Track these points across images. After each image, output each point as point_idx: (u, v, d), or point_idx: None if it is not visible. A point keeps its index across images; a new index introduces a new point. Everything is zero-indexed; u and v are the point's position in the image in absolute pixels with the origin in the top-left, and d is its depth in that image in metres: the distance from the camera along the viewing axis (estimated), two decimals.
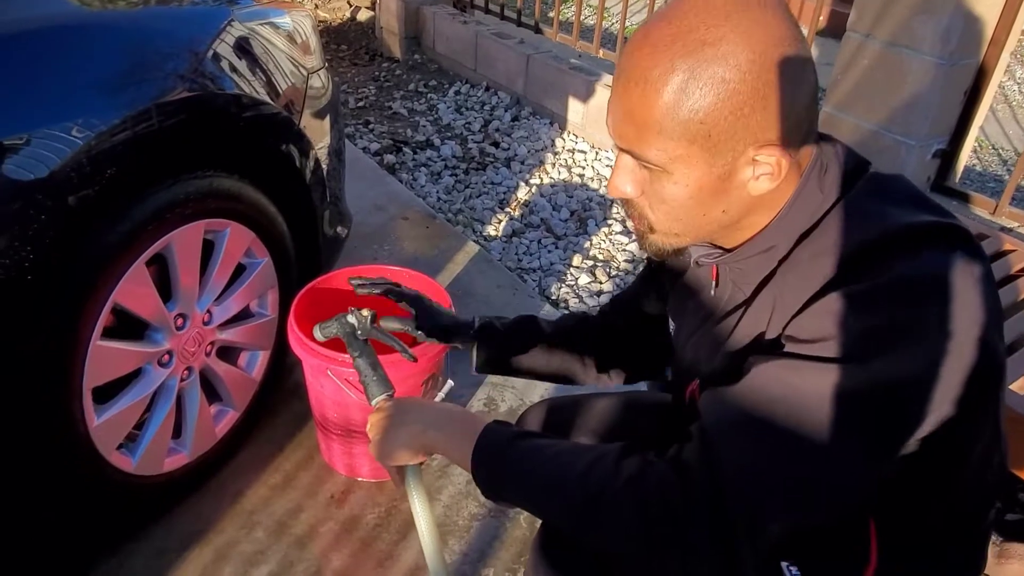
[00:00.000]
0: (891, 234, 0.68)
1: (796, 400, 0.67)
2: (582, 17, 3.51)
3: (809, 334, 0.69)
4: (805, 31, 3.28)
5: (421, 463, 0.94)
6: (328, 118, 1.72)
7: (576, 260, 2.57)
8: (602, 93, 3.28)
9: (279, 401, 1.77)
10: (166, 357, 1.37)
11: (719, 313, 0.85)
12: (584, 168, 3.22)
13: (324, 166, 1.70)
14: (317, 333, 1.07)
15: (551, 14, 3.72)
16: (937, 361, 0.65)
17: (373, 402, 0.99)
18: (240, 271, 1.52)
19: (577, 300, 2.38)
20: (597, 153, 3.32)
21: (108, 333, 1.22)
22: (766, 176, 0.71)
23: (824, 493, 0.68)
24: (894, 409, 0.66)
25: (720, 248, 0.82)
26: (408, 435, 0.90)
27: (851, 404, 0.65)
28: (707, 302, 0.89)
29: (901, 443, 0.67)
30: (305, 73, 1.60)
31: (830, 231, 0.73)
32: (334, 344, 1.36)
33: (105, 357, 1.22)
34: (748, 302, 0.80)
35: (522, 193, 3.00)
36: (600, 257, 2.62)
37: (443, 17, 4.17)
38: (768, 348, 0.74)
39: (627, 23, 3.39)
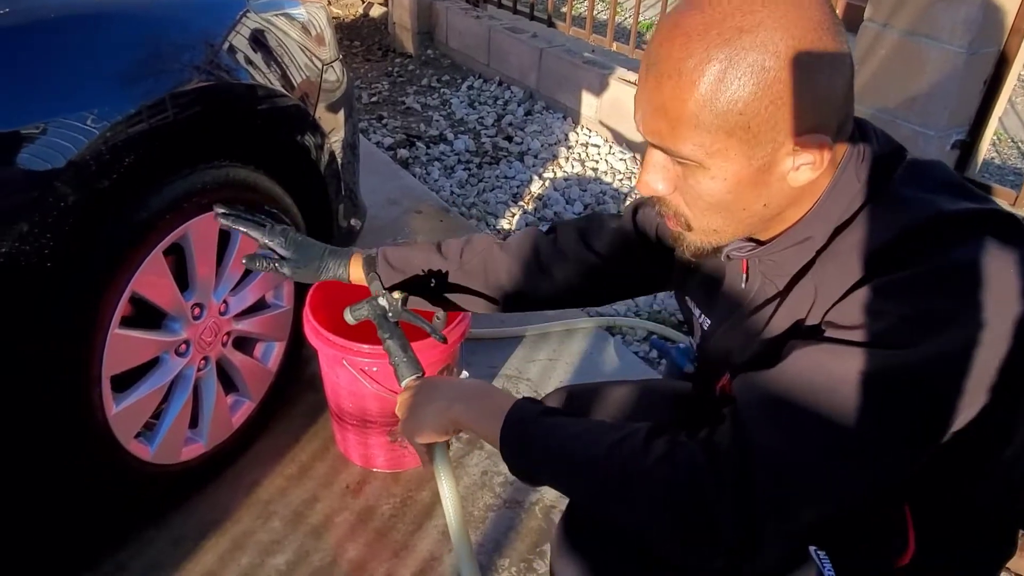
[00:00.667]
0: (932, 222, 0.67)
1: (833, 385, 0.66)
2: (595, 11, 3.49)
3: (849, 320, 0.68)
4: None
5: (448, 441, 0.94)
6: (343, 111, 1.73)
7: None
8: (616, 87, 3.26)
9: (295, 392, 1.78)
10: (183, 347, 1.38)
11: (751, 306, 0.83)
12: (598, 162, 3.21)
13: (339, 158, 1.70)
14: (348, 316, 1.07)
15: (563, 8, 3.71)
16: (976, 349, 0.64)
17: (403, 383, 1.00)
18: None
19: None
20: (611, 147, 3.31)
21: (126, 322, 1.23)
22: (807, 166, 0.69)
23: (858, 481, 0.67)
24: (932, 397, 0.65)
25: (754, 241, 0.80)
26: (436, 412, 0.90)
27: (889, 391, 0.64)
28: (737, 295, 0.87)
29: (938, 432, 0.66)
30: (320, 65, 1.60)
31: (871, 220, 0.72)
32: (350, 333, 1.37)
33: (123, 345, 1.23)
34: (783, 294, 0.78)
35: (535, 187, 3.00)
36: None
37: (456, 12, 4.17)
38: (807, 335, 0.73)
39: (641, 17, 3.37)
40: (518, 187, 2.99)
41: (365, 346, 1.39)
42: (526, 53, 3.70)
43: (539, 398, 1.43)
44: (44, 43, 1.08)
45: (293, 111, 1.50)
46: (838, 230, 0.73)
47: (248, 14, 1.40)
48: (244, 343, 1.58)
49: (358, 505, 1.55)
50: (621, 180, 3.07)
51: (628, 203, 1.14)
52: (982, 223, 0.67)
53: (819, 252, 0.75)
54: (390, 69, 4.21)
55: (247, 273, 1.50)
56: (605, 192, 2.96)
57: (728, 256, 0.84)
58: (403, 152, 3.20)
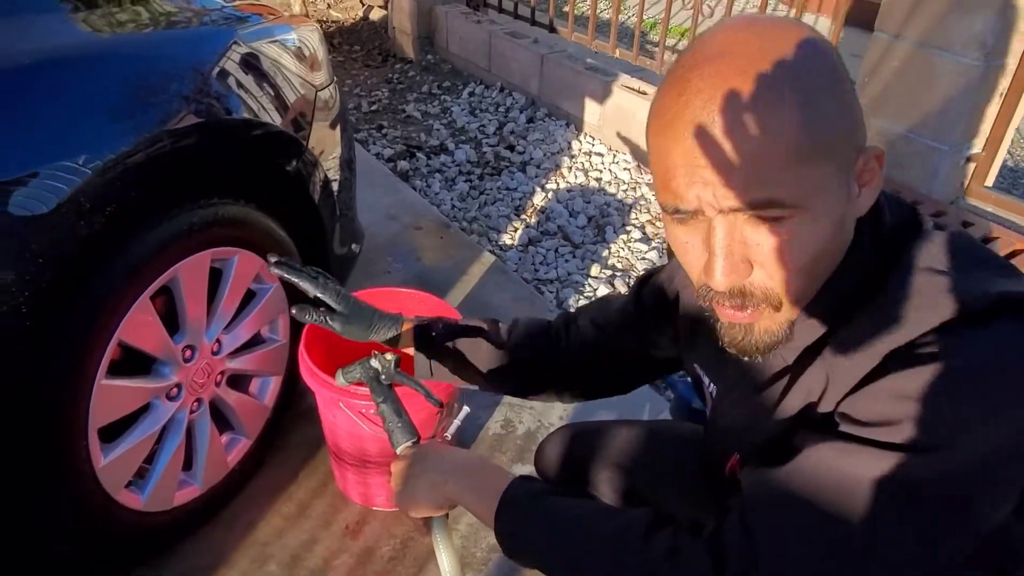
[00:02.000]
0: (964, 309, 0.60)
1: (848, 489, 0.61)
2: (597, 12, 3.43)
3: (867, 415, 0.62)
4: (828, 23, 3.16)
5: (446, 514, 0.90)
6: (337, 130, 1.67)
7: (594, 270, 2.51)
8: (619, 94, 3.20)
9: (291, 427, 1.73)
10: (174, 390, 1.33)
11: (759, 379, 0.78)
12: (601, 172, 3.15)
13: (334, 182, 1.65)
14: (340, 378, 1.04)
15: (565, 8, 3.64)
16: (1008, 453, 0.58)
17: (398, 449, 0.95)
18: (249, 297, 1.48)
19: None
20: (615, 156, 3.25)
21: (113, 369, 1.18)
22: (868, 187, 0.65)
23: None
24: (956, 504, 0.59)
25: None
26: (429, 487, 0.86)
27: (909, 497, 0.59)
28: (744, 364, 0.80)
29: (962, 540, 0.61)
30: (314, 91, 1.55)
31: (890, 301, 0.64)
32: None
33: (111, 396, 1.19)
34: (794, 370, 0.72)
35: (538, 199, 2.94)
36: (619, 266, 2.56)
37: (456, 16, 4.10)
38: (819, 425, 0.67)
39: (644, 17, 3.30)
40: (520, 199, 2.94)
41: (363, 389, 1.34)
42: (527, 59, 3.64)
43: (541, 431, 1.37)
44: (24, 86, 1.04)
45: (286, 142, 1.45)
46: (854, 303, 0.67)
47: (236, 45, 1.34)
48: (239, 379, 1.54)
49: (357, 547, 1.51)
50: (625, 191, 3.01)
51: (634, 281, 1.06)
52: (1018, 310, 0.60)
53: (833, 329, 0.68)
54: (390, 75, 4.15)
55: (241, 309, 1.45)
56: (609, 204, 2.90)
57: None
58: (403, 164, 3.15)
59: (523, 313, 2.21)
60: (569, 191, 3.00)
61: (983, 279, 0.62)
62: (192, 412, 1.39)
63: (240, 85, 1.33)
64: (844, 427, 0.64)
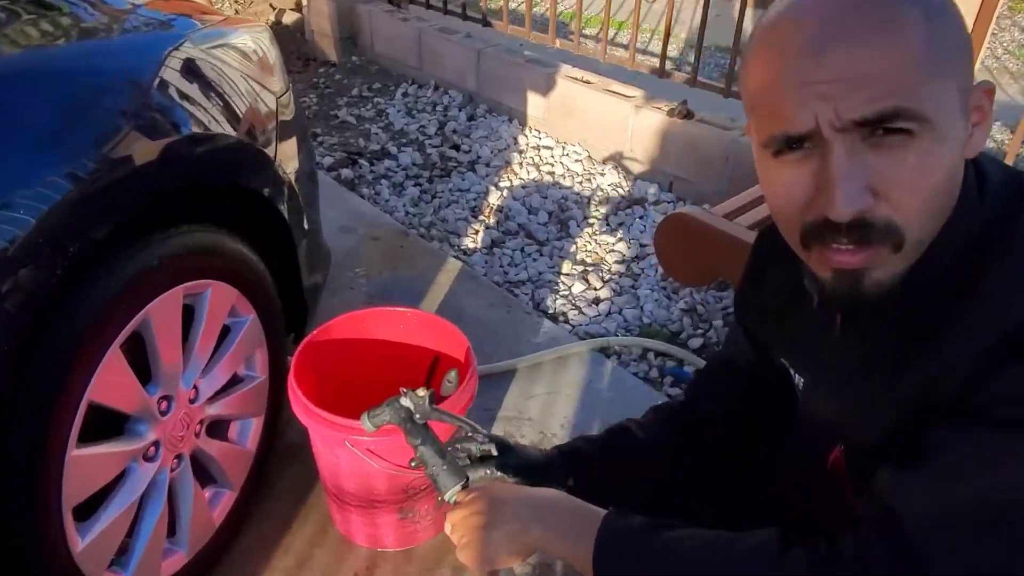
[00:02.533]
0: None
1: (1011, 493, 0.54)
2: (532, 5, 3.34)
3: (1012, 397, 0.55)
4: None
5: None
6: (299, 138, 1.51)
7: (565, 267, 2.42)
8: (563, 84, 3.12)
9: (275, 471, 1.57)
10: (152, 450, 1.16)
11: (863, 362, 0.70)
12: (553, 165, 3.07)
13: (300, 195, 1.50)
14: (366, 423, 0.92)
15: (493, 5, 3.54)
16: None
17: (448, 496, 0.83)
18: (224, 334, 1.31)
19: (576, 312, 2.23)
20: (564, 148, 3.17)
21: (82, 436, 1.01)
22: (980, 125, 0.61)
23: None
24: None
25: None
26: (508, 536, 0.75)
27: None
28: (833, 349, 0.74)
29: None
30: (274, 98, 1.40)
31: (1019, 265, 0.59)
32: (340, 404, 1.19)
33: (84, 467, 1.01)
34: (906, 351, 0.65)
35: (494, 198, 2.83)
36: (589, 261, 2.48)
37: (380, 15, 3.94)
38: (950, 410, 0.59)
39: (562, 7, 3.23)
40: (475, 200, 2.82)
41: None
42: (462, 55, 3.52)
43: (543, 443, 1.25)
44: None
45: (252, 156, 1.29)
46: (966, 267, 0.61)
47: (183, 47, 1.18)
48: (217, 425, 1.37)
49: None
50: (581, 183, 2.94)
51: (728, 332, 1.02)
52: None
53: (951, 291, 0.62)
54: (315, 80, 3.95)
55: (218, 346, 1.28)
56: (567, 197, 2.82)
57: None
58: (346, 172, 2.98)
59: (500, 318, 2.10)
60: (524, 187, 2.90)
61: None
62: (172, 471, 1.22)
63: (194, 96, 1.16)
64: (993, 416, 0.57)
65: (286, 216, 1.40)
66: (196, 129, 1.14)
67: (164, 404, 1.17)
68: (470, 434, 0.91)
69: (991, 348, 0.57)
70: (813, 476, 0.80)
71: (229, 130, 1.22)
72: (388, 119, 3.47)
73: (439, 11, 3.76)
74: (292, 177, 1.44)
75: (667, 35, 2.93)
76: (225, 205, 1.29)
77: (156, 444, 1.16)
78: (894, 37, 0.55)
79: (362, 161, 3.07)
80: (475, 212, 2.75)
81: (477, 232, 2.63)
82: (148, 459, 1.15)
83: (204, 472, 1.34)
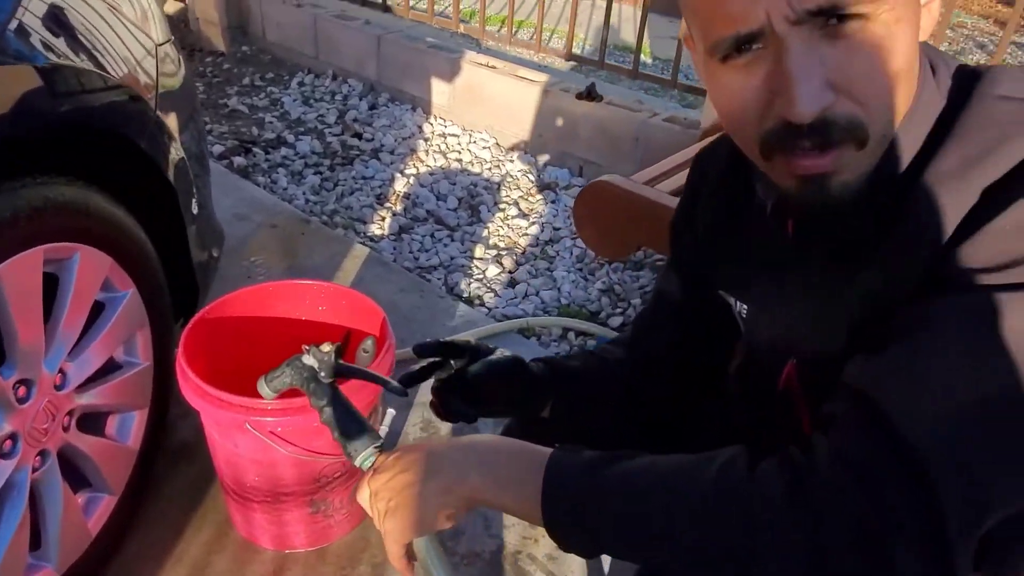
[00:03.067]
0: None
1: (1008, 345, 0.50)
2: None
3: (995, 259, 0.52)
4: (632, 9, 3.20)
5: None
6: (186, 109, 1.35)
7: (478, 251, 2.33)
8: (468, 70, 3.04)
9: (163, 471, 1.39)
10: (7, 444, 0.97)
11: (821, 265, 0.66)
12: (460, 152, 2.97)
13: (187, 163, 1.33)
14: (263, 388, 0.79)
15: None
16: None
17: (360, 460, 0.71)
18: (98, 311, 1.14)
19: (492, 295, 2.14)
20: (471, 135, 3.08)
21: None
22: (929, 4, 0.57)
23: None
24: None
25: None
26: (443, 489, 0.64)
27: None
28: (782, 261, 0.69)
29: None
30: (153, 45, 1.23)
31: (979, 134, 0.56)
32: (239, 386, 1.04)
33: None
34: (864, 240, 0.61)
35: (400, 185, 2.71)
36: (502, 245, 2.39)
37: (272, 2, 3.73)
38: (933, 288, 0.55)
39: (486, 6, 3.17)
40: (380, 187, 2.68)
41: (271, 402, 1.06)
42: (361, 42, 3.37)
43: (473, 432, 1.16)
44: None
45: (128, 103, 1.12)
46: (923, 150, 0.58)
47: None
48: (93, 419, 1.18)
49: None
50: (490, 169, 2.86)
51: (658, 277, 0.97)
52: None
53: (907, 178, 0.58)
54: (202, 69, 3.69)
55: (89, 325, 1.11)
56: (476, 184, 2.73)
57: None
58: (239, 160, 2.77)
59: (414, 302, 1.98)
60: (432, 174, 2.79)
61: None
62: (35, 470, 1.04)
63: (61, 21, 0.99)
64: (978, 279, 0.52)
65: (171, 179, 1.23)
66: (62, 65, 0.97)
67: (22, 390, 0.99)
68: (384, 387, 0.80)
69: (956, 209, 0.54)
70: (765, 400, 0.75)
71: (106, 66, 1.06)
72: (283, 108, 3.28)
73: None
74: (177, 142, 1.28)
75: (573, 17, 2.90)
76: (98, 160, 1.11)
77: (13, 437, 0.98)
78: None
79: (256, 149, 2.87)
80: (380, 199, 2.61)
81: (384, 219, 2.49)
82: (2, 455, 0.97)
83: (77, 474, 1.16)
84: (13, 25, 0.92)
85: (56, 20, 0.99)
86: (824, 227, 0.65)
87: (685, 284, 0.87)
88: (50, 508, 1.07)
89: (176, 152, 1.25)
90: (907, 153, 0.58)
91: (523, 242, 2.41)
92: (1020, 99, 0.56)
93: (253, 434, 1.08)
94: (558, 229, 2.48)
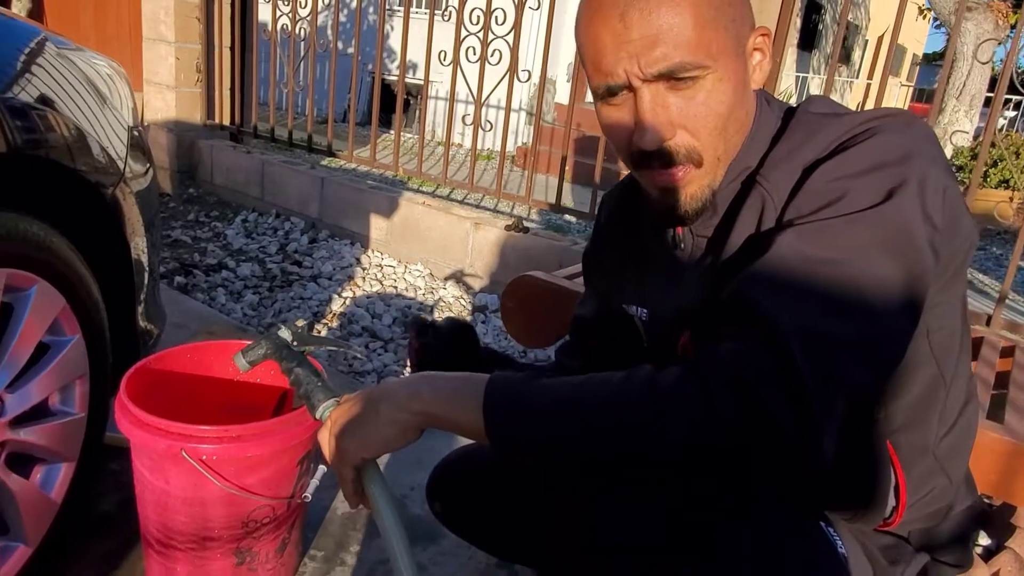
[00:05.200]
0: (859, 121, 0.73)
1: (829, 255, 0.66)
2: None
3: (813, 205, 0.70)
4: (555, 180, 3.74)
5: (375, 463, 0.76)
6: (149, 200, 1.47)
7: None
8: (406, 207, 3.29)
9: (81, 537, 1.36)
10: None
11: (692, 261, 0.84)
12: (396, 280, 3.14)
13: (144, 250, 1.44)
14: (240, 361, 0.90)
15: (327, 143, 3.72)
16: (942, 186, 0.69)
17: (320, 412, 0.80)
18: (41, 353, 1.19)
19: None
20: (407, 267, 3.27)
21: None
22: (761, 63, 0.77)
23: (885, 340, 0.65)
24: (915, 248, 0.66)
25: None
26: (396, 405, 0.72)
27: (883, 248, 0.65)
28: (672, 263, 0.87)
29: (923, 286, 0.68)
30: (126, 126, 1.38)
31: (799, 134, 0.77)
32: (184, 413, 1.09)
33: None
34: (724, 227, 0.79)
35: (336, 306, 2.82)
36: None
37: (222, 149, 3.99)
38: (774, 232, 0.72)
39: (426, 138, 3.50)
40: (318, 306, 2.79)
41: (207, 427, 1.11)
42: (306, 184, 3.62)
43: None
44: None
45: (101, 162, 1.25)
46: (766, 153, 0.78)
47: (46, 43, 1.17)
48: (19, 464, 1.18)
49: None
50: (424, 295, 3.02)
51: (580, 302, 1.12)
52: (899, 118, 0.74)
53: (751, 178, 0.78)
54: None
55: (35, 359, 1.15)
56: (411, 306, 2.87)
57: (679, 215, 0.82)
58: (179, 279, 2.86)
59: None
60: (368, 297, 2.93)
61: (847, 116, 0.76)
62: None
63: (55, 82, 1.14)
64: (796, 219, 0.70)
65: (130, 245, 1.34)
66: (56, 114, 1.11)
67: None
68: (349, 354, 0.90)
69: (788, 180, 0.74)
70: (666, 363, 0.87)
71: (88, 127, 1.19)
72: (226, 240, 3.43)
73: (284, 144, 3.89)
74: (139, 220, 1.39)
75: (503, 158, 3.23)
76: (67, 206, 1.22)
77: None
78: (676, 4, 0.69)
79: (197, 272, 2.97)
80: (317, 316, 2.71)
81: (320, 332, 2.58)
82: None
83: None
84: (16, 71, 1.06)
85: (56, 79, 1.14)
86: (699, 225, 0.82)
87: (598, 306, 1.03)
88: None
89: (135, 218, 1.37)
90: (754, 157, 0.79)
91: None
92: (822, 113, 0.78)
93: (186, 466, 1.11)
94: (487, 344, 2.61)
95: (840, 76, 12.23)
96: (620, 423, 0.64)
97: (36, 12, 4.69)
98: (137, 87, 4.39)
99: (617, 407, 0.64)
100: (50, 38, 1.20)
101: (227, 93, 4.11)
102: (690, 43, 0.69)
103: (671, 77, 0.71)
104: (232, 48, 4.01)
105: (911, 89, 20.34)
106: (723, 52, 0.72)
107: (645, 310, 0.92)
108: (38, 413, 1.20)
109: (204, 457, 1.11)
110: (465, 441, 0.84)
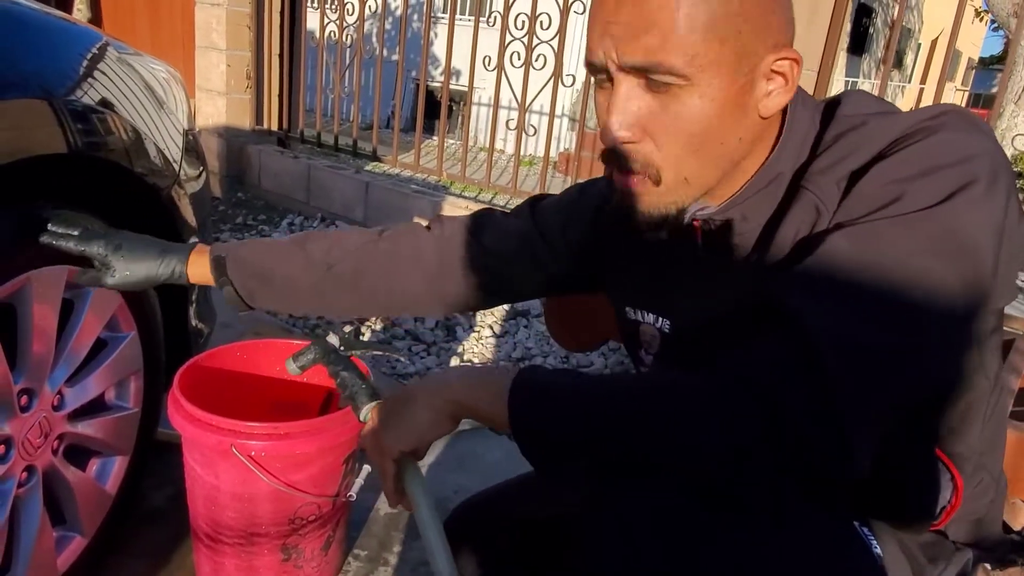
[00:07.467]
0: (915, 120, 0.67)
1: (877, 260, 0.62)
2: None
3: (868, 207, 0.65)
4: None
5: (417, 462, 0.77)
6: (202, 201, 1.51)
7: (453, 362, 2.43)
8: (449, 211, 3.31)
9: (135, 529, 1.39)
10: (1, 448, 1.02)
11: (732, 265, 0.76)
12: None
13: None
14: (291, 366, 0.91)
15: (371, 146, 3.77)
16: (1002, 195, 0.63)
17: (363, 414, 0.81)
18: (98, 349, 1.22)
19: None
20: None
21: None
22: (779, 91, 0.68)
23: (928, 350, 0.61)
24: (973, 253, 0.62)
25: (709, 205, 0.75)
26: (430, 394, 0.73)
27: (938, 252, 0.61)
28: (700, 272, 0.80)
29: (985, 289, 0.63)
30: (182, 127, 1.42)
31: (846, 136, 0.70)
32: (240, 410, 1.11)
33: None
34: (765, 239, 0.73)
35: None
36: (476, 360, 2.50)
37: (270, 154, 4.08)
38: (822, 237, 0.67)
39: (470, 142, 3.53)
40: None
41: (257, 424, 1.13)
42: (350, 187, 3.67)
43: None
44: None
45: (161, 164, 1.28)
46: (805, 163, 0.72)
47: (108, 48, 1.21)
48: (77, 454, 1.22)
49: None
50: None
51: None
52: (958, 115, 0.68)
53: (793, 189, 0.71)
54: None
55: (91, 357, 1.18)
56: None
57: (694, 219, 0.76)
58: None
59: None
60: None
61: (898, 116, 0.70)
62: (21, 486, 1.07)
63: (118, 87, 1.18)
64: (845, 223, 0.65)
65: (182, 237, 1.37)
66: (122, 119, 1.14)
67: (24, 399, 1.05)
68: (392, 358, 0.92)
69: (836, 188, 0.68)
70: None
71: (149, 132, 1.23)
72: None
73: (329, 149, 3.95)
74: (193, 220, 1.42)
75: (545, 162, 3.22)
76: (131, 207, 1.25)
77: (7, 442, 1.03)
78: None
79: None
80: (361, 319, 2.74)
81: (363, 335, 2.61)
82: None
83: (55, 509, 1.17)
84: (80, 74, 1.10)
85: (111, 83, 1.18)
86: (726, 235, 0.76)
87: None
88: (26, 531, 1.09)
89: (191, 219, 1.40)
90: (785, 163, 0.72)
91: (496, 357, 2.53)
92: (869, 112, 0.71)
93: (236, 462, 1.13)
94: (529, 348, 2.61)
95: (892, 81, 11.98)
96: (644, 422, 0.62)
97: (95, 20, 4.86)
98: (190, 93, 4.51)
99: (642, 405, 0.63)
100: (111, 43, 1.23)
101: (275, 99, 4.19)
102: (674, 46, 0.62)
103: (647, 75, 0.64)
104: (281, 55, 4.09)
105: (966, 94, 19.79)
106: (714, 66, 0.63)
107: (668, 321, 0.85)
108: (95, 407, 1.24)
109: (253, 453, 1.13)
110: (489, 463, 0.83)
